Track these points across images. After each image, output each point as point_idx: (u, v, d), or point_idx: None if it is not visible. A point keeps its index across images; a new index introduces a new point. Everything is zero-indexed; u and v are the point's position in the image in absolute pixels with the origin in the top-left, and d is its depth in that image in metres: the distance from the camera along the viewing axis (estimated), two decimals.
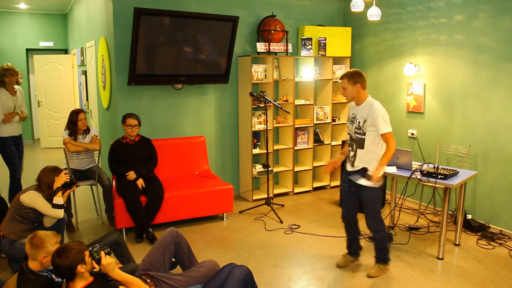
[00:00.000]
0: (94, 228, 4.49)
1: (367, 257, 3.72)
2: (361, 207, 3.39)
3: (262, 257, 3.75)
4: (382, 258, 3.43)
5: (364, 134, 3.20)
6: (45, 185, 3.24)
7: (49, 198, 3.21)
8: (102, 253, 2.36)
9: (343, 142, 5.09)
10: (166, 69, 4.67)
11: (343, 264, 3.55)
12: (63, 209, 3.25)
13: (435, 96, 4.80)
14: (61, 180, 3.28)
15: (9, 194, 4.71)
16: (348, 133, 3.37)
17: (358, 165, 3.25)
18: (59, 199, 3.21)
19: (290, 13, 5.59)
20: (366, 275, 3.40)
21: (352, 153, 3.30)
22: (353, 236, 3.57)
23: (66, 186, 3.32)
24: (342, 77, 3.29)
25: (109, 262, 2.34)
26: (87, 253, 2.28)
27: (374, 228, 3.36)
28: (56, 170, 3.31)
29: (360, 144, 3.23)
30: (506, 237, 4.12)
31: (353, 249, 3.60)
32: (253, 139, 5.29)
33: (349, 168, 3.35)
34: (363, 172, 3.23)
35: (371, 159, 3.21)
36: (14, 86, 4.69)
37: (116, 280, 2.39)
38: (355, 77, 3.23)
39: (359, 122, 3.22)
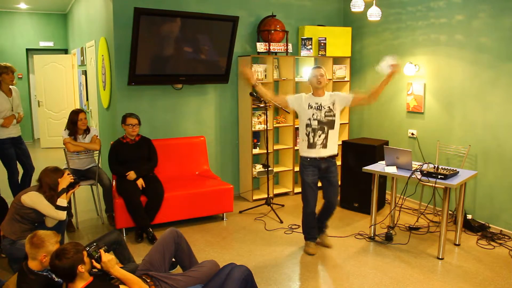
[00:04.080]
0: (94, 228, 4.49)
1: (366, 256, 3.73)
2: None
3: (262, 257, 3.75)
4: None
5: (335, 115, 3.68)
6: (46, 186, 3.22)
7: (50, 199, 3.20)
8: (101, 251, 2.36)
9: (344, 142, 5.09)
10: (166, 69, 4.67)
11: (316, 252, 3.85)
12: (66, 211, 3.24)
13: (435, 96, 4.80)
14: (65, 181, 3.26)
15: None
16: (314, 119, 3.66)
17: (331, 146, 3.69)
18: (63, 201, 3.20)
19: (290, 13, 5.59)
20: (327, 246, 3.92)
21: (323, 136, 3.67)
22: (315, 223, 3.89)
23: (69, 187, 3.31)
24: (319, 67, 3.70)
25: (110, 258, 2.37)
26: (85, 253, 2.28)
27: (335, 206, 3.88)
28: (57, 171, 3.29)
29: (331, 125, 3.68)
30: (506, 237, 4.12)
31: (314, 234, 3.92)
32: (253, 139, 5.29)
33: (320, 153, 3.68)
34: (333, 158, 3.75)
35: (337, 137, 3.73)
36: (10, 87, 4.63)
37: (116, 277, 2.39)
38: None
39: (328, 107, 3.66)
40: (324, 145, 3.67)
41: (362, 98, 3.71)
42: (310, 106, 3.67)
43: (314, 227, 3.88)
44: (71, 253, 2.21)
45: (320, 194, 3.81)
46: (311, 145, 3.68)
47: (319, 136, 3.66)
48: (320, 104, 3.65)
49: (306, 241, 3.90)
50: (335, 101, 3.67)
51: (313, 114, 3.66)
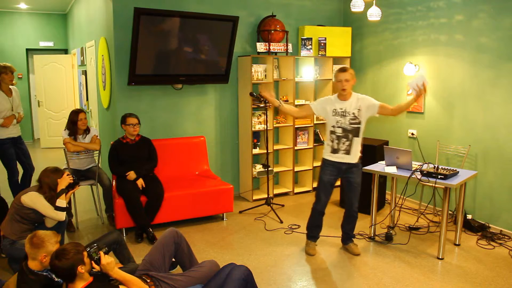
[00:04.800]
0: (94, 228, 4.49)
1: (366, 256, 3.73)
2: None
3: (262, 257, 3.75)
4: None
5: (360, 122, 3.54)
6: (46, 186, 3.22)
7: (50, 200, 3.20)
8: (101, 252, 2.36)
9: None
10: (166, 69, 4.67)
11: (315, 252, 3.83)
12: (65, 212, 3.23)
13: (435, 96, 4.80)
14: (64, 182, 3.25)
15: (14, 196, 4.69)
16: (339, 127, 3.56)
17: (354, 153, 3.58)
18: (62, 202, 3.19)
19: (290, 13, 5.59)
20: (356, 255, 3.76)
21: (347, 143, 3.57)
22: (321, 223, 3.85)
23: (69, 187, 3.30)
24: (344, 69, 3.52)
25: (109, 261, 2.35)
26: (85, 253, 2.28)
27: (356, 210, 3.76)
28: (57, 171, 3.29)
29: (356, 132, 3.55)
30: (506, 237, 4.12)
31: (317, 234, 3.89)
32: (253, 139, 5.29)
33: (342, 159, 3.61)
34: (359, 161, 3.65)
35: (360, 144, 3.60)
36: (10, 87, 4.62)
37: (116, 279, 2.39)
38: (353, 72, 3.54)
39: (353, 113, 3.52)
40: (347, 152, 3.57)
41: (388, 109, 3.56)
42: (334, 112, 3.55)
43: (318, 226, 3.83)
44: (71, 254, 2.21)
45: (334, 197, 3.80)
46: (334, 151, 3.60)
47: (343, 143, 3.56)
48: (345, 110, 3.52)
49: (307, 239, 3.89)
50: (361, 107, 3.53)
51: (337, 121, 3.55)
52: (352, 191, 3.70)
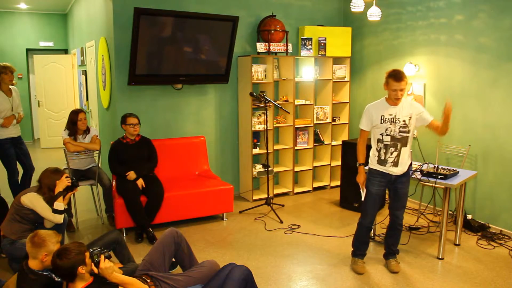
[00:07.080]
0: (94, 228, 4.49)
1: (367, 256, 3.73)
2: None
3: (262, 257, 3.75)
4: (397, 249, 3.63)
5: (409, 131, 3.27)
6: (45, 187, 3.22)
7: (49, 201, 3.19)
8: (102, 256, 2.35)
9: (344, 142, 5.08)
10: (166, 69, 4.67)
11: (364, 271, 3.49)
12: (63, 215, 3.22)
13: (435, 96, 4.80)
14: (62, 184, 3.24)
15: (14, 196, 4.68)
16: (387, 135, 3.29)
17: (403, 166, 3.32)
18: (59, 204, 3.18)
19: (290, 13, 5.59)
20: (394, 272, 3.45)
21: (395, 153, 3.29)
22: (368, 239, 3.60)
23: (67, 189, 3.29)
24: (400, 77, 3.17)
25: (107, 266, 2.33)
26: (87, 254, 2.28)
27: (402, 222, 3.48)
28: (57, 172, 3.28)
29: (405, 142, 3.29)
30: (506, 237, 4.12)
31: (365, 251, 3.58)
32: (253, 139, 5.29)
33: (389, 171, 3.32)
34: (410, 167, 3.41)
35: (409, 153, 3.34)
36: (10, 87, 4.62)
37: (115, 283, 2.39)
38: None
39: (404, 121, 3.25)
40: (395, 164, 3.28)
41: (435, 125, 3.32)
42: (383, 120, 3.27)
43: (365, 243, 3.54)
44: (73, 254, 2.21)
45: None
46: (381, 162, 3.33)
47: (391, 154, 3.28)
48: (395, 116, 3.25)
49: (354, 257, 3.56)
50: (412, 115, 3.25)
51: (386, 129, 3.27)
52: (399, 201, 3.38)
